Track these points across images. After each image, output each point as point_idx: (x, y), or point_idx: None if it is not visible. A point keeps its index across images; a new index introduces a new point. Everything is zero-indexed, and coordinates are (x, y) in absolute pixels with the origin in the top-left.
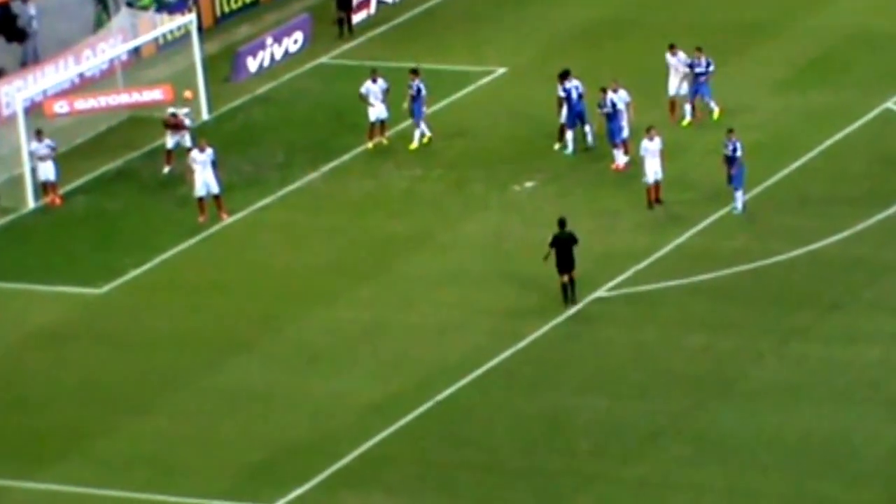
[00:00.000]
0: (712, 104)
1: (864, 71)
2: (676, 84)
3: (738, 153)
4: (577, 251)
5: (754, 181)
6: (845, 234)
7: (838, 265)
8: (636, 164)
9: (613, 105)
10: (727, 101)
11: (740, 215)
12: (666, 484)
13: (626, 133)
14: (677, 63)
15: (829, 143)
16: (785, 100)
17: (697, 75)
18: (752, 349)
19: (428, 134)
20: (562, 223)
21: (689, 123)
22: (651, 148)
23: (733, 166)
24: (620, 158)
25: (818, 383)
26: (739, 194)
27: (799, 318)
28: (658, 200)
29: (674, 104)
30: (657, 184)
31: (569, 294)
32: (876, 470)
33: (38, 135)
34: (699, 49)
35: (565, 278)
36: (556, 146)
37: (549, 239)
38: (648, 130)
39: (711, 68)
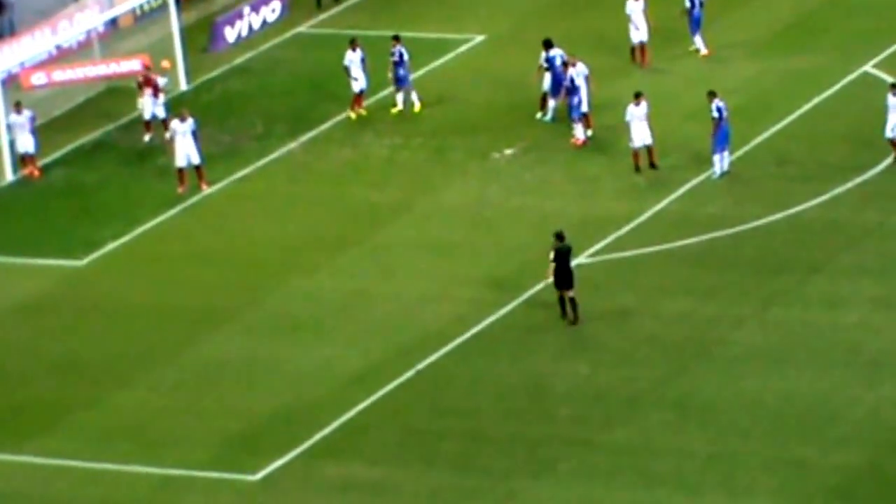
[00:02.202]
0: (698, 42)
1: (842, 34)
2: (638, 32)
3: (715, 114)
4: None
5: (733, 145)
6: (824, 197)
7: (817, 229)
8: (598, 136)
9: (572, 80)
10: (706, 65)
11: (718, 179)
12: (647, 449)
13: (584, 107)
14: (639, 9)
15: (807, 107)
16: (764, 63)
17: (691, 11)
18: (732, 314)
19: (417, 103)
20: (561, 236)
21: (706, 55)
22: (637, 113)
23: (716, 129)
24: (579, 132)
25: (798, 347)
26: (717, 158)
27: (778, 282)
28: (653, 165)
29: (634, 51)
30: (649, 148)
31: (569, 312)
32: (855, 433)
33: (17, 107)
34: None
35: (563, 293)
36: (538, 115)
37: (551, 255)
38: (637, 96)
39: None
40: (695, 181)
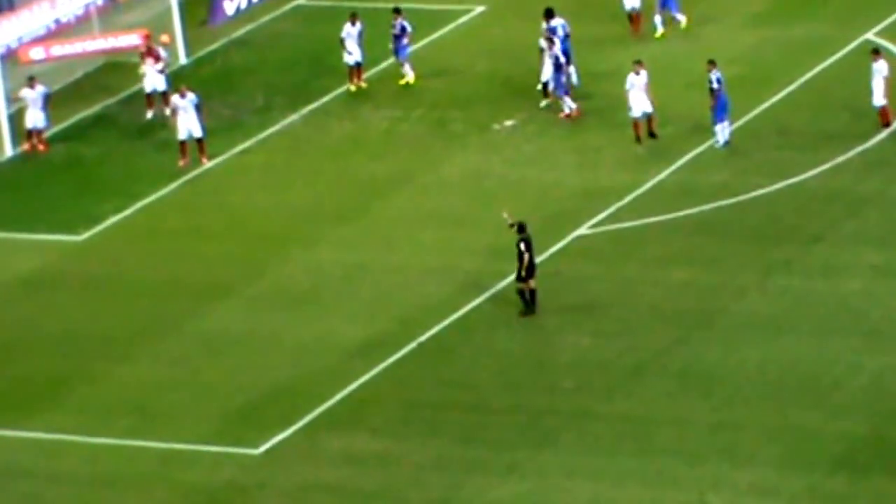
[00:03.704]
0: (678, 16)
1: (843, 2)
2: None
3: (715, 85)
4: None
5: (734, 115)
6: (826, 166)
7: (819, 198)
8: (599, 106)
9: (557, 58)
10: (706, 35)
11: (721, 149)
12: (650, 419)
13: (574, 80)
14: None
15: (808, 75)
16: (764, 33)
17: None
18: (734, 283)
19: (410, 77)
20: (522, 227)
21: (662, 35)
22: (637, 83)
23: (715, 99)
24: (569, 106)
25: (800, 316)
26: (719, 128)
27: (780, 251)
28: (652, 134)
29: (633, 18)
30: (648, 117)
31: (529, 304)
32: (858, 400)
33: (31, 81)
34: None
35: (524, 284)
36: (539, 86)
37: (522, 246)
38: (637, 64)
39: None
40: (696, 151)
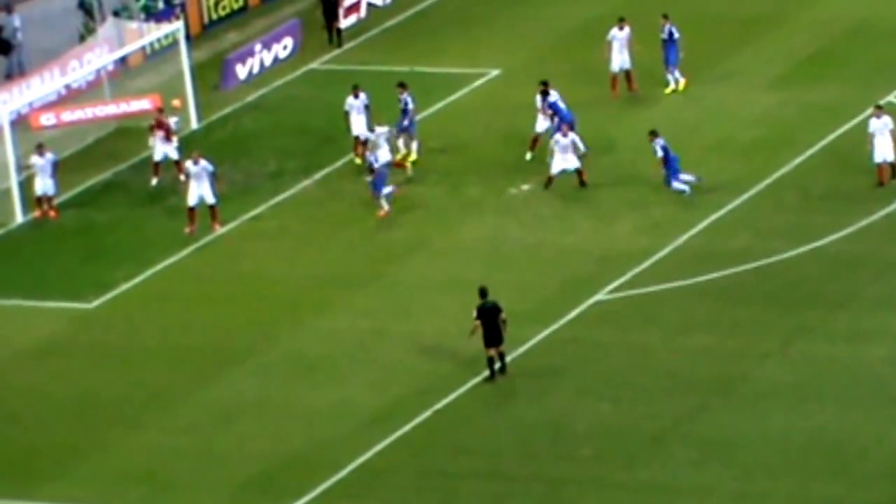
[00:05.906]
0: (669, 77)
1: (864, 65)
2: (620, 60)
3: (660, 154)
4: (503, 320)
5: (755, 178)
6: (849, 230)
7: (842, 263)
8: (616, 171)
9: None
10: (726, 96)
11: (691, 197)
12: (671, 488)
13: (581, 147)
14: (623, 37)
15: (830, 138)
16: (785, 95)
17: (666, 43)
18: (755, 349)
19: (414, 156)
20: (483, 293)
21: (673, 91)
22: (563, 142)
23: (665, 167)
24: (384, 204)
25: (824, 383)
26: (685, 177)
27: (803, 317)
28: (582, 183)
29: (615, 80)
30: (578, 171)
31: (496, 369)
32: (883, 470)
33: (40, 149)
34: (665, 16)
35: (492, 352)
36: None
37: (474, 312)
38: (561, 128)
39: (676, 36)
40: (715, 215)
